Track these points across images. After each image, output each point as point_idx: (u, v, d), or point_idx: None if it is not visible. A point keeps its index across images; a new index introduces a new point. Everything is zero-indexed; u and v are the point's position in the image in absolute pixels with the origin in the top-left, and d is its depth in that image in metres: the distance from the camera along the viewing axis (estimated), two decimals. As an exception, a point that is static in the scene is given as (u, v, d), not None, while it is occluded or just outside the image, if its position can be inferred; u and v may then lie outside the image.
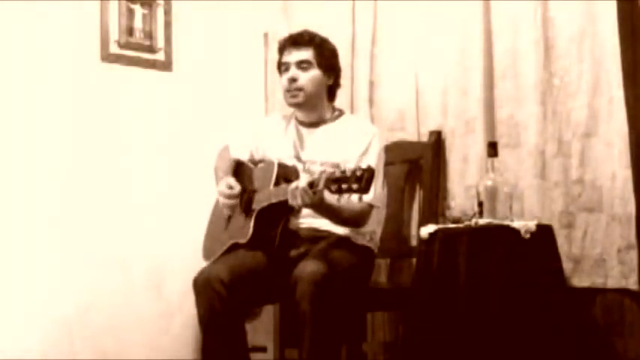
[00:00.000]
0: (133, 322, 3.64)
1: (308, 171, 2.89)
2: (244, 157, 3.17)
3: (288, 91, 3.01)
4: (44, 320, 3.43)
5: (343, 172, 2.49)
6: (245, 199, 3.02)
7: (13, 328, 3.36)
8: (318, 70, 3.01)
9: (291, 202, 2.70)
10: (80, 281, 3.52)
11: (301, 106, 3.04)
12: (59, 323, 3.46)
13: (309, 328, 2.66)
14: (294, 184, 2.68)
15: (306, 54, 2.99)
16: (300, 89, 2.99)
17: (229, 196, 2.99)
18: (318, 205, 2.74)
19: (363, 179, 2.45)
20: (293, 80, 2.98)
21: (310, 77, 2.99)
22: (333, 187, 2.51)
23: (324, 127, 3.08)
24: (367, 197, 2.84)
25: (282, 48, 3.05)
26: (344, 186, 2.48)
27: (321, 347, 2.69)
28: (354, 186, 2.46)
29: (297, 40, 3.00)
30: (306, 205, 2.71)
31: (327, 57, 3.03)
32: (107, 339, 3.57)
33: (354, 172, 2.47)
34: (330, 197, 2.72)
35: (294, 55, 3.00)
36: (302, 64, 2.99)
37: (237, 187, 2.99)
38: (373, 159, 2.90)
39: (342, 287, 2.74)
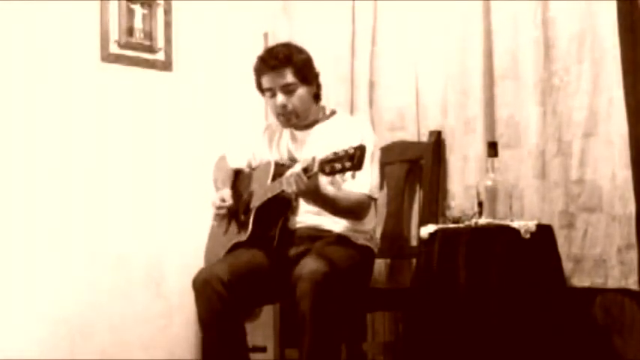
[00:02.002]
0: (133, 321, 3.65)
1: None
2: (242, 166, 3.19)
3: (280, 115, 3.04)
4: (44, 320, 3.43)
5: (336, 153, 2.53)
6: (244, 200, 3.03)
7: (13, 328, 3.36)
8: (303, 87, 3.02)
9: (286, 189, 2.72)
10: (80, 281, 3.53)
11: (296, 124, 3.08)
12: (59, 323, 3.46)
13: (309, 327, 2.67)
14: (289, 172, 2.71)
15: (288, 77, 2.99)
16: (292, 112, 3.03)
17: (219, 207, 3.05)
18: (314, 193, 2.75)
19: (355, 157, 2.48)
20: (284, 106, 3.01)
21: (298, 98, 3.02)
22: (327, 168, 2.54)
23: (318, 126, 3.10)
24: (363, 188, 2.89)
25: (259, 72, 3.05)
26: (337, 166, 2.51)
27: (321, 346, 2.69)
28: (347, 164, 2.49)
29: (274, 65, 2.99)
30: (302, 192, 2.71)
31: (306, 70, 3.04)
32: (107, 338, 3.57)
33: (346, 151, 2.50)
34: (325, 188, 2.77)
35: (276, 80, 3.00)
36: (287, 87, 3.00)
37: (229, 202, 3.05)
38: (368, 151, 2.91)
39: (342, 286, 2.74)
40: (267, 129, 3.25)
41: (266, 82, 3.03)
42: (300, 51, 3.06)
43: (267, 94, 3.05)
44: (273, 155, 3.11)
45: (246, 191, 3.08)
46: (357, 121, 3.16)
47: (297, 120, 3.06)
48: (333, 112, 3.16)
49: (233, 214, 3.08)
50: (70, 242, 3.52)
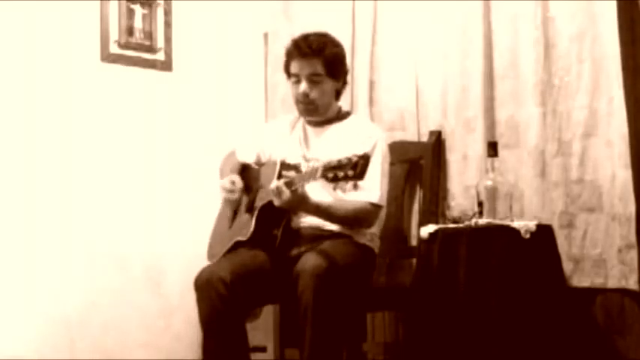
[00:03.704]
0: (133, 321, 3.64)
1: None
2: (251, 160, 3.19)
3: (300, 102, 3.04)
4: (44, 320, 3.43)
5: (339, 160, 2.53)
6: (249, 197, 3.03)
7: (13, 328, 3.36)
8: (329, 80, 3.02)
9: (274, 201, 2.75)
10: (80, 280, 3.53)
11: (313, 115, 3.08)
12: (59, 323, 3.46)
13: (310, 323, 2.66)
14: (273, 184, 2.74)
15: (317, 67, 2.99)
16: (312, 103, 3.02)
17: (231, 191, 3.02)
18: (298, 206, 2.80)
19: (358, 166, 2.49)
20: (306, 95, 3.00)
21: (322, 90, 3.02)
22: (330, 175, 2.55)
23: (331, 126, 3.11)
24: (372, 196, 2.90)
25: (290, 56, 3.04)
26: (340, 174, 2.52)
27: (322, 341, 2.69)
28: (350, 173, 2.50)
29: (305, 53, 2.98)
30: (285, 204, 2.74)
31: (335, 65, 3.03)
32: (107, 338, 3.57)
33: (349, 159, 2.51)
34: (320, 197, 2.78)
35: (305, 68, 2.99)
36: (313, 77, 3.00)
37: (240, 184, 3.02)
38: (378, 160, 2.93)
39: (343, 283, 2.74)
40: (283, 122, 3.23)
41: (294, 67, 3.02)
42: (335, 44, 3.05)
43: (293, 79, 3.04)
44: (282, 151, 3.10)
45: (251, 188, 3.08)
46: (369, 128, 3.13)
47: (315, 112, 3.05)
48: (347, 114, 3.17)
49: (237, 210, 3.08)
50: (70, 242, 3.51)
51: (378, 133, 3.08)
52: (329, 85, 3.03)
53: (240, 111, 3.99)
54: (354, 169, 2.49)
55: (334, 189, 2.92)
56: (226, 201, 3.07)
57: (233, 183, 3.03)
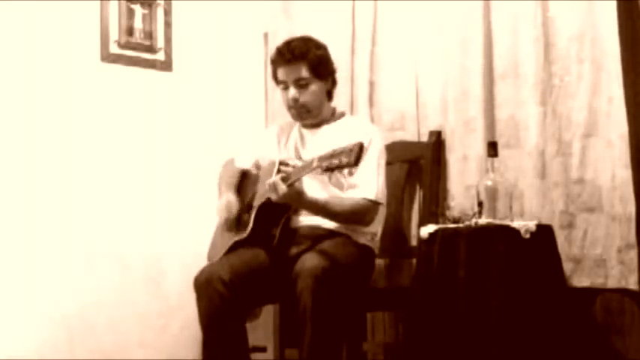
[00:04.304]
0: (133, 321, 3.65)
1: None
2: (249, 166, 3.19)
3: (292, 108, 3.06)
4: (44, 320, 3.43)
5: (334, 150, 2.56)
6: (249, 197, 3.04)
7: (13, 328, 3.36)
8: (316, 82, 3.03)
9: (271, 197, 2.76)
10: (80, 280, 3.53)
11: (307, 119, 3.09)
12: (59, 322, 3.46)
13: (309, 323, 2.67)
14: (270, 179, 2.75)
15: (302, 71, 3.00)
16: (303, 107, 3.04)
17: (228, 213, 3.03)
18: (296, 200, 2.80)
19: (352, 153, 2.50)
20: (295, 100, 3.02)
21: (310, 93, 3.03)
22: (325, 165, 2.57)
23: (325, 127, 3.11)
24: (369, 194, 2.90)
25: (275, 63, 3.07)
26: (335, 162, 2.54)
27: (322, 342, 2.69)
28: (344, 160, 2.52)
29: (289, 59, 3.00)
30: (281, 199, 2.75)
31: (321, 66, 3.04)
32: (106, 338, 3.57)
33: (344, 147, 2.53)
34: (316, 194, 2.80)
35: (290, 74, 3.02)
36: (300, 82, 3.01)
37: (236, 206, 3.04)
38: (374, 156, 2.93)
39: (342, 283, 2.74)
40: (278, 128, 3.26)
41: (280, 74, 3.05)
42: (318, 46, 3.06)
43: (281, 86, 3.07)
44: (280, 154, 3.11)
45: (251, 191, 3.09)
46: (364, 126, 3.16)
47: (308, 115, 3.07)
48: (342, 114, 3.18)
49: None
50: (70, 242, 3.51)
51: (374, 130, 3.10)
52: (317, 87, 3.04)
53: (240, 111, 3.99)
54: (349, 156, 2.50)
55: (330, 179, 2.93)
56: (225, 221, 3.07)
57: (229, 204, 3.04)
